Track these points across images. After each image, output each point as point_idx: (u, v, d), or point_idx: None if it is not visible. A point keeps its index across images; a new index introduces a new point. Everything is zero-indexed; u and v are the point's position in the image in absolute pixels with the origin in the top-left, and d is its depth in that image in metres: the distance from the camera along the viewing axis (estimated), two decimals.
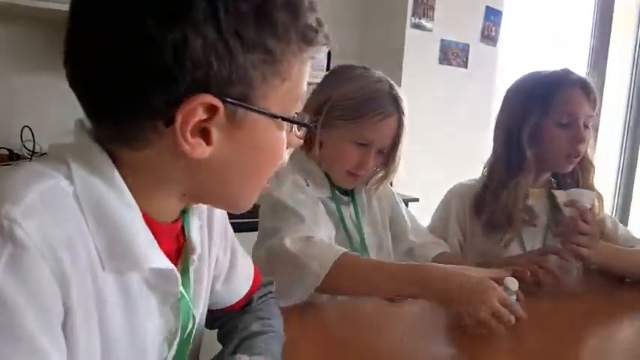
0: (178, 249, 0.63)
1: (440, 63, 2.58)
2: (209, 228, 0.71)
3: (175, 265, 0.60)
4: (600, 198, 1.35)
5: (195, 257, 0.64)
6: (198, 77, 0.47)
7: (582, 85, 1.27)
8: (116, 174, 0.52)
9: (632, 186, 3.02)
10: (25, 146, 1.89)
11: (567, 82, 1.26)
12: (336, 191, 1.21)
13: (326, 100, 1.14)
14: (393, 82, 1.17)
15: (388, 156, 1.18)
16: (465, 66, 2.67)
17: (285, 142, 0.58)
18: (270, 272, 0.96)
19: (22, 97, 1.95)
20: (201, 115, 0.49)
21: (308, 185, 1.16)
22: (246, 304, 0.82)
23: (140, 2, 0.46)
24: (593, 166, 1.36)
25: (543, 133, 1.26)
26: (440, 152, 2.46)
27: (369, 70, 1.18)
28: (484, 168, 1.40)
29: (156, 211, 0.56)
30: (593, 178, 1.36)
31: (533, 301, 1.02)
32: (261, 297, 0.84)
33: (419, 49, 2.46)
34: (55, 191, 0.49)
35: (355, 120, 1.12)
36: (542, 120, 1.26)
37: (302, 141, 0.63)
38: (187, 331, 0.64)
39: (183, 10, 0.46)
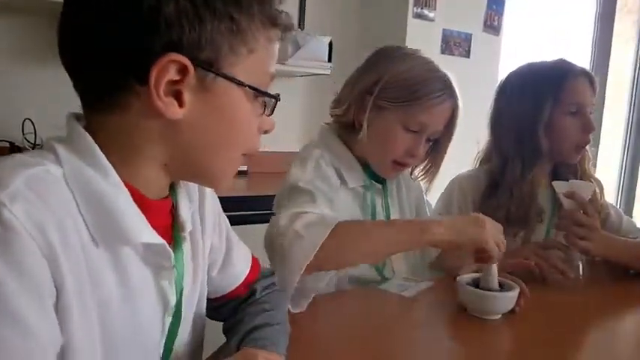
0: (170, 226, 0.65)
1: (442, 53, 2.57)
2: (201, 214, 0.73)
3: (168, 241, 0.62)
4: (600, 186, 1.35)
5: (185, 234, 0.66)
6: (171, 38, 0.52)
7: (587, 75, 1.28)
8: (102, 157, 0.55)
9: (636, 177, 3.01)
10: (26, 139, 1.89)
11: (574, 71, 1.27)
12: (371, 180, 1.17)
13: (377, 80, 1.07)
14: (448, 75, 1.11)
15: (438, 146, 1.14)
16: (468, 56, 2.65)
17: (254, 118, 0.62)
18: (269, 251, 0.96)
19: (22, 90, 1.95)
20: (173, 74, 0.53)
21: (341, 174, 1.11)
22: (250, 294, 0.82)
23: None
24: (590, 156, 1.36)
25: (555, 124, 1.26)
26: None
27: (419, 51, 1.13)
28: (478, 161, 1.40)
29: (143, 184, 0.59)
30: (589, 166, 1.36)
31: (538, 293, 1.02)
32: (266, 288, 0.84)
33: (421, 39, 2.43)
34: (42, 176, 0.51)
35: (410, 102, 1.06)
36: (554, 111, 1.26)
37: (274, 124, 0.66)
38: (180, 304, 0.66)
39: None
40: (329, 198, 1.03)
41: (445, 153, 1.15)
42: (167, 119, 0.55)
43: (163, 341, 0.65)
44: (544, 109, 1.25)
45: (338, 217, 0.93)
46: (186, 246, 0.67)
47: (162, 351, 0.65)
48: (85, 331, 0.53)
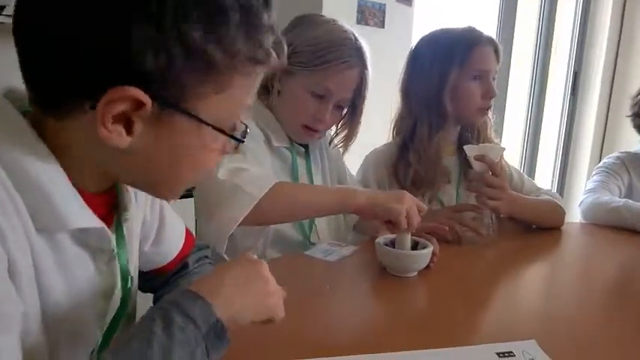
0: (110, 207, 0.63)
1: (358, 23, 2.60)
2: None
3: (108, 223, 0.61)
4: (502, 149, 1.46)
5: (127, 215, 0.64)
6: (131, 69, 0.47)
7: (492, 43, 1.35)
8: (35, 137, 0.52)
9: (538, 142, 3.24)
10: None
11: (481, 40, 1.33)
12: (293, 143, 1.19)
13: (288, 45, 1.07)
14: (360, 37, 1.12)
15: (350, 113, 1.16)
16: (383, 26, 2.70)
17: (213, 150, 0.57)
18: (203, 202, 0.97)
19: None
20: (126, 106, 0.48)
21: (267, 136, 1.13)
22: (182, 267, 0.82)
23: None
24: (491, 123, 1.46)
25: (460, 89, 1.33)
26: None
27: (336, 21, 1.14)
28: (393, 129, 1.45)
29: (83, 182, 0.56)
30: (491, 132, 1.46)
31: (452, 250, 1.11)
32: (198, 260, 0.84)
33: (337, 10, 2.46)
34: None
35: (316, 67, 1.07)
36: (460, 76, 1.32)
37: (236, 146, 0.61)
38: (126, 289, 0.65)
39: (132, 2, 0.46)
40: (257, 156, 1.06)
41: (359, 119, 1.18)
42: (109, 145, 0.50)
43: (107, 323, 0.63)
44: (450, 73, 1.31)
45: (274, 177, 0.98)
46: (127, 225, 0.65)
47: (105, 330, 0.63)
48: (29, 306, 0.52)
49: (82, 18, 0.46)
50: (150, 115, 0.50)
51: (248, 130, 0.60)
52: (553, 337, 0.77)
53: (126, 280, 0.65)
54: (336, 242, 1.20)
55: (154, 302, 0.79)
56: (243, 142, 0.59)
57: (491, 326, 0.86)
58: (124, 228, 0.64)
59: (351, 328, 0.81)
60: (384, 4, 2.69)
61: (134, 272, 0.70)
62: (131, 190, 0.67)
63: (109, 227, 0.60)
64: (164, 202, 0.80)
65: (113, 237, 0.62)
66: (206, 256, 0.88)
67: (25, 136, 0.51)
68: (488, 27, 3.06)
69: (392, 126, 1.46)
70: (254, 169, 1.01)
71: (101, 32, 0.46)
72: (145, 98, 0.48)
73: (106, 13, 0.46)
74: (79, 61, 0.47)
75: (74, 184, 0.54)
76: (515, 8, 2.97)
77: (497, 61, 1.36)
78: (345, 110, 1.18)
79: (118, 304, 0.64)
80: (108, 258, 0.61)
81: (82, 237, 0.57)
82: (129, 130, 0.50)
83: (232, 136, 0.57)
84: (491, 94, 1.34)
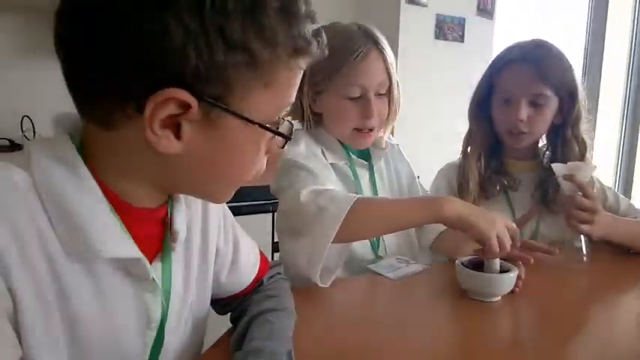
0: (160, 234, 0.62)
1: (436, 38, 2.56)
2: (204, 219, 0.71)
3: (157, 249, 0.60)
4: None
5: (176, 245, 0.62)
6: (175, 69, 0.46)
7: (526, 60, 1.30)
8: (80, 162, 0.52)
9: (634, 159, 3.01)
10: (25, 136, 1.89)
11: (512, 58, 1.32)
12: (353, 155, 1.19)
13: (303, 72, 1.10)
14: (362, 23, 1.10)
15: (387, 96, 1.13)
16: (462, 40, 2.65)
17: (261, 148, 0.57)
18: (289, 226, 0.98)
19: (21, 87, 1.95)
20: (173, 109, 0.48)
21: (324, 153, 1.14)
22: (257, 285, 0.83)
23: None
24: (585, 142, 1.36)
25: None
26: (438, 128, 2.46)
27: (333, 23, 1.12)
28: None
29: (130, 195, 0.56)
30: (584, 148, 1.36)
31: (537, 274, 1.03)
32: (271, 277, 0.86)
33: (414, 25, 2.44)
34: (2, 183, 0.49)
35: (337, 72, 1.06)
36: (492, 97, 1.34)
37: (282, 144, 0.60)
38: (161, 325, 0.63)
39: None
40: (328, 176, 1.07)
41: (395, 102, 1.14)
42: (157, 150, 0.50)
43: (148, 354, 0.62)
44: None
45: (356, 194, 0.98)
46: (178, 256, 0.64)
47: None
48: (49, 344, 0.51)
49: (120, 20, 0.46)
50: (197, 117, 0.49)
51: (294, 127, 0.59)
52: None
53: (166, 310, 0.62)
54: (404, 258, 1.17)
55: (231, 321, 0.80)
56: (290, 139, 0.58)
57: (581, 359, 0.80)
58: (172, 256, 0.63)
59: (428, 356, 0.78)
60: (464, 18, 2.64)
61: (180, 305, 0.66)
62: (197, 216, 0.68)
63: (157, 252, 0.60)
64: (237, 229, 0.80)
65: (159, 265, 0.60)
66: (278, 273, 0.89)
67: (69, 160, 0.52)
68: (576, 38, 2.91)
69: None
70: (332, 186, 1.01)
71: (139, 33, 0.45)
72: (191, 99, 0.48)
73: (143, 14, 0.45)
74: (121, 66, 0.47)
75: (124, 199, 0.54)
76: (606, 19, 2.81)
77: (535, 78, 1.26)
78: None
79: (157, 332, 0.62)
80: (149, 284, 0.59)
81: (120, 264, 0.56)
82: (177, 135, 0.50)
83: (280, 134, 0.56)
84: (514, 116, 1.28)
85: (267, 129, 0.54)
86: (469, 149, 1.37)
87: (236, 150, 0.55)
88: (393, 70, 1.11)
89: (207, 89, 0.48)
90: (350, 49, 1.06)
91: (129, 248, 0.55)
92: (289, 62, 0.53)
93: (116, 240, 0.53)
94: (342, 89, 1.09)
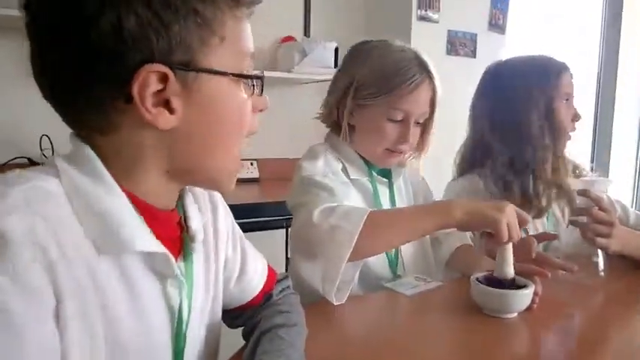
0: (178, 237, 0.65)
1: (448, 54, 2.57)
2: (214, 227, 0.73)
3: (178, 252, 0.63)
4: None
5: (196, 245, 0.66)
6: (141, 51, 0.51)
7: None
8: (103, 169, 0.55)
9: None
10: (44, 154, 1.92)
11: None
12: (374, 172, 1.20)
13: (350, 82, 1.11)
14: (417, 50, 1.13)
15: (424, 125, 1.16)
16: (474, 56, 2.65)
17: (246, 102, 0.61)
18: (303, 248, 0.98)
19: (40, 106, 1.98)
20: (155, 85, 0.53)
21: (345, 168, 1.15)
22: (265, 299, 0.84)
23: None
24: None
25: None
26: (452, 143, 2.45)
27: (386, 41, 1.15)
28: (457, 162, 1.45)
29: (149, 195, 0.59)
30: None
31: (553, 289, 1.02)
32: (281, 292, 0.86)
33: (426, 41, 2.45)
34: (38, 190, 0.52)
35: (387, 94, 1.09)
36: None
37: (267, 102, 0.65)
38: (180, 325, 0.64)
39: None
40: (345, 192, 1.07)
41: (431, 130, 1.17)
42: (161, 129, 0.55)
43: (172, 350, 0.64)
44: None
45: (367, 208, 0.98)
46: (198, 257, 0.67)
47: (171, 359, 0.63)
48: (87, 340, 0.53)
49: (80, 21, 0.50)
50: (179, 87, 0.54)
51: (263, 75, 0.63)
52: None
53: (190, 307, 0.65)
54: (422, 277, 1.17)
55: (244, 336, 0.80)
56: (260, 78, 0.62)
57: None
58: (194, 257, 0.66)
59: None
60: (475, 34, 2.65)
61: (209, 307, 0.70)
62: (209, 223, 0.70)
63: (178, 254, 0.63)
64: (244, 240, 0.82)
65: (182, 265, 0.63)
66: (288, 286, 0.89)
67: (95, 169, 0.55)
68: (588, 54, 2.90)
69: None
70: (344, 202, 1.01)
71: (100, 26, 0.50)
72: (166, 70, 0.52)
73: (98, 9, 0.50)
74: (94, 67, 0.51)
75: (139, 202, 0.57)
76: (619, 33, 2.80)
77: None
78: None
79: (184, 327, 0.64)
80: (178, 283, 0.62)
81: (146, 259, 0.59)
82: (170, 110, 0.55)
83: (250, 76, 0.60)
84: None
85: (237, 75, 0.59)
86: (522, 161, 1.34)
87: (222, 107, 0.59)
88: (436, 104, 1.14)
89: (174, 59, 0.53)
90: (404, 75, 1.08)
91: (154, 243, 0.58)
92: (234, 12, 0.57)
93: (142, 235, 0.57)
94: (387, 111, 1.10)
